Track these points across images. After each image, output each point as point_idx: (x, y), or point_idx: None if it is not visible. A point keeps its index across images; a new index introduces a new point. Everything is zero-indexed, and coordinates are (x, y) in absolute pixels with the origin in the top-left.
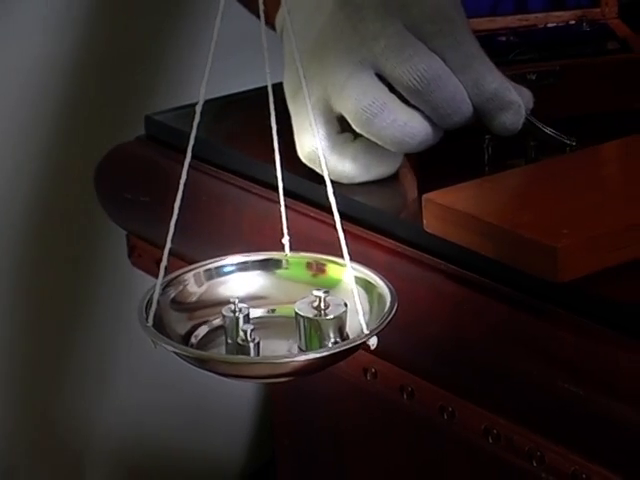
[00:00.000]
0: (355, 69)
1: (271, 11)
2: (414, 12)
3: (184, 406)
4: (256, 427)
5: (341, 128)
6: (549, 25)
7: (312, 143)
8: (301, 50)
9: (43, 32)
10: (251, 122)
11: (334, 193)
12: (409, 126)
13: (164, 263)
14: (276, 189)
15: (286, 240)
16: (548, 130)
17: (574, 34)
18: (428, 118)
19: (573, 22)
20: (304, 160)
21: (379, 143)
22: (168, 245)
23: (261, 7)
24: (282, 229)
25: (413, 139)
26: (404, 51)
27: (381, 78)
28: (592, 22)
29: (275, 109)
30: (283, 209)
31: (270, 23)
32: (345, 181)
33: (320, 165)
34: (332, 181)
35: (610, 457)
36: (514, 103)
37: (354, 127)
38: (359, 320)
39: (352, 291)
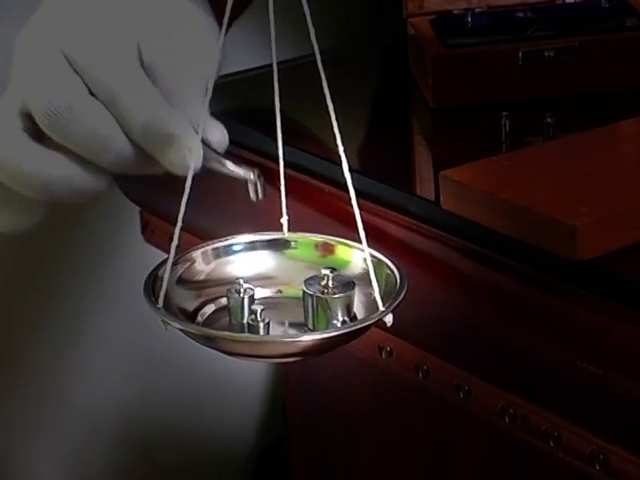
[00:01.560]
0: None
1: None
2: (75, 42)
3: (193, 385)
4: (266, 407)
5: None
6: (567, 1)
7: None
8: None
9: None
10: (263, 98)
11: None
12: (30, 162)
13: (175, 242)
14: (288, 165)
15: (284, 220)
16: (229, 169)
17: (593, 10)
18: (81, 159)
19: None
20: None
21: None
22: (179, 225)
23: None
24: (285, 208)
25: (39, 175)
26: (41, 78)
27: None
28: None
29: (285, 87)
30: (283, 188)
31: None
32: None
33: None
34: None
35: (628, 437)
36: (176, 137)
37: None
38: (372, 298)
39: (361, 271)
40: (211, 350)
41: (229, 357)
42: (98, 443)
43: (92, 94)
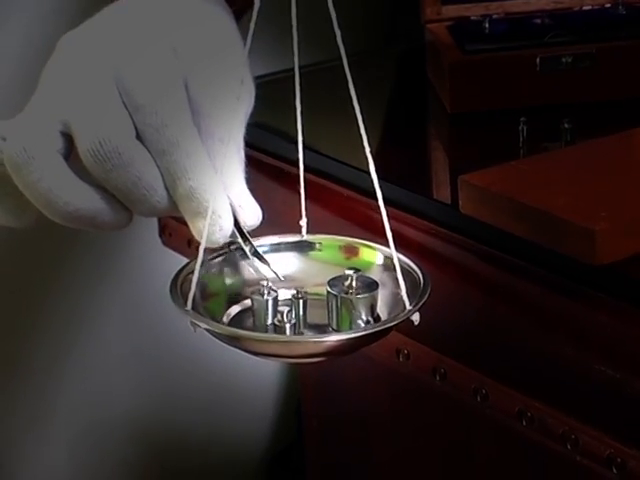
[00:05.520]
0: (37, 118)
1: None
2: (127, 74)
3: (205, 389)
4: (279, 411)
5: None
6: (585, 8)
7: None
8: None
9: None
10: (283, 103)
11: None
12: (62, 191)
13: (203, 245)
14: (309, 170)
15: (304, 222)
16: (256, 262)
17: (610, 17)
18: (111, 197)
19: (609, 5)
20: None
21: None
22: (206, 229)
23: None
24: (304, 210)
25: (67, 206)
26: (92, 111)
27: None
28: (628, 5)
29: (302, 90)
30: (303, 191)
31: None
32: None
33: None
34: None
35: None
36: (213, 212)
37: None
38: (396, 298)
39: (383, 272)
40: (226, 355)
41: (252, 358)
42: (110, 447)
43: (138, 135)
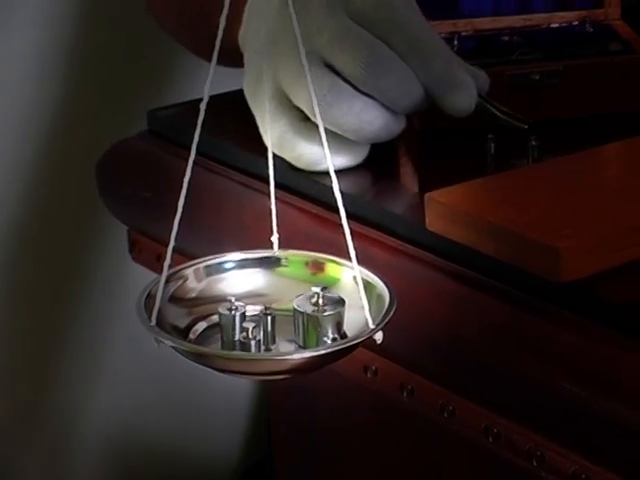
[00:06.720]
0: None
1: (233, 30)
2: (358, 3)
3: (177, 402)
4: (250, 424)
5: (304, 116)
6: (552, 25)
7: (278, 129)
8: (253, 50)
9: (43, 27)
10: (251, 118)
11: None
12: (365, 113)
13: (167, 262)
14: (277, 185)
15: (275, 238)
16: (501, 113)
17: (577, 35)
18: (383, 104)
19: (576, 23)
20: (275, 150)
21: (339, 132)
22: (172, 244)
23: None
24: (275, 226)
25: (371, 125)
26: (347, 39)
27: (333, 70)
28: (595, 23)
29: None
30: (273, 207)
31: (231, 42)
32: (311, 167)
33: (288, 150)
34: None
35: (611, 458)
36: (464, 83)
37: (312, 118)
38: (363, 315)
39: (351, 289)
40: (197, 368)
41: (219, 374)
42: (80, 460)
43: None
